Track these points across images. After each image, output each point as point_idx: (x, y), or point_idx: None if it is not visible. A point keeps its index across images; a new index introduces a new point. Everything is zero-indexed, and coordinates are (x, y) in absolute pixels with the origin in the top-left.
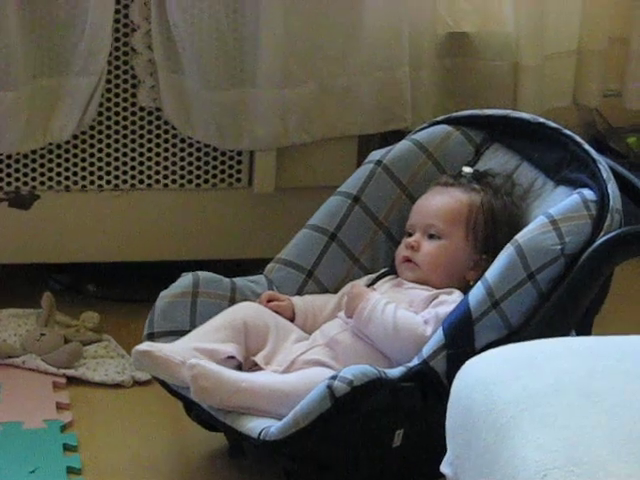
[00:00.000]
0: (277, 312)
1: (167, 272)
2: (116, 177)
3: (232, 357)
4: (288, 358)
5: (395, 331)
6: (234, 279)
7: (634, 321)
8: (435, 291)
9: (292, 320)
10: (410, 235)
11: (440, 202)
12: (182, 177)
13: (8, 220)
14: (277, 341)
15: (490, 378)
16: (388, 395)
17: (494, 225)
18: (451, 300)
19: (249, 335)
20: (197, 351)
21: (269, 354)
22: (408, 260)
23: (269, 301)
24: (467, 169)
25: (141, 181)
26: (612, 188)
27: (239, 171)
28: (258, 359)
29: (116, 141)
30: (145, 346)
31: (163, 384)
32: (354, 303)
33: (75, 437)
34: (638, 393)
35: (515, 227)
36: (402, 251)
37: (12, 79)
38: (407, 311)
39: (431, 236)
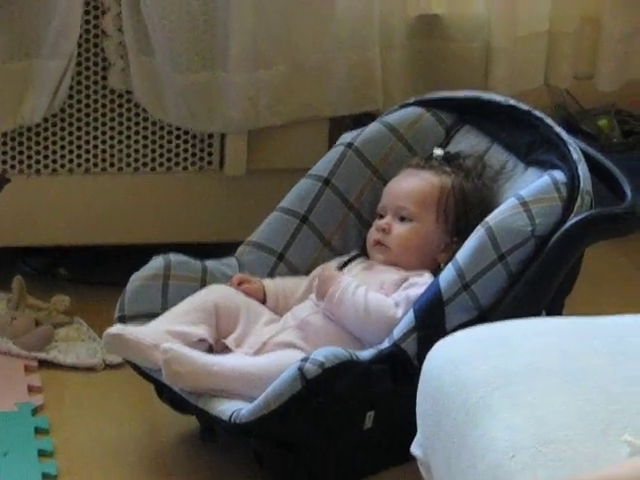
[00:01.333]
0: (248, 294)
1: (138, 255)
2: (87, 160)
3: (203, 340)
4: (259, 340)
5: (366, 313)
6: (205, 261)
7: (604, 302)
8: (406, 273)
9: (263, 302)
10: (381, 217)
11: (411, 185)
12: (153, 160)
13: None
14: (248, 323)
15: (460, 358)
16: (359, 377)
17: (465, 207)
18: (422, 282)
19: (220, 317)
20: (169, 334)
21: (240, 336)
22: (379, 243)
23: (240, 283)
24: (438, 151)
25: (112, 164)
26: (582, 170)
27: (210, 154)
28: (229, 342)
29: (87, 124)
30: (116, 329)
31: (134, 367)
32: (325, 286)
33: (46, 420)
34: (608, 373)
35: (486, 209)
36: (373, 234)
37: None
38: (378, 294)
39: (402, 219)
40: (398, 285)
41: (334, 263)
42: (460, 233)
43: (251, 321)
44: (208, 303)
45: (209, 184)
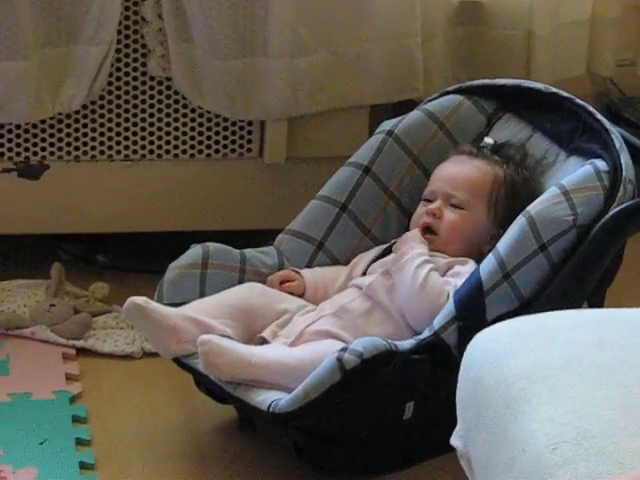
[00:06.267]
0: (290, 293)
1: (177, 243)
2: (126, 147)
3: (227, 337)
4: (295, 330)
5: (421, 289)
6: (244, 250)
7: None
8: (450, 259)
9: (302, 295)
10: (429, 201)
11: (465, 172)
12: (192, 147)
13: (18, 190)
14: (284, 318)
15: (500, 350)
16: (398, 367)
17: (514, 200)
18: (465, 271)
19: (254, 318)
20: (192, 322)
21: (276, 329)
22: (428, 227)
23: (282, 282)
24: (489, 140)
25: (151, 151)
26: (625, 158)
27: (250, 141)
28: (266, 334)
29: (126, 111)
30: (142, 300)
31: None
32: (401, 246)
33: (84, 408)
34: None
35: (530, 201)
36: (422, 217)
37: (21, 49)
38: (440, 278)
39: (452, 205)
40: (441, 272)
41: (374, 252)
42: (506, 225)
43: (287, 317)
44: (241, 301)
45: (249, 171)
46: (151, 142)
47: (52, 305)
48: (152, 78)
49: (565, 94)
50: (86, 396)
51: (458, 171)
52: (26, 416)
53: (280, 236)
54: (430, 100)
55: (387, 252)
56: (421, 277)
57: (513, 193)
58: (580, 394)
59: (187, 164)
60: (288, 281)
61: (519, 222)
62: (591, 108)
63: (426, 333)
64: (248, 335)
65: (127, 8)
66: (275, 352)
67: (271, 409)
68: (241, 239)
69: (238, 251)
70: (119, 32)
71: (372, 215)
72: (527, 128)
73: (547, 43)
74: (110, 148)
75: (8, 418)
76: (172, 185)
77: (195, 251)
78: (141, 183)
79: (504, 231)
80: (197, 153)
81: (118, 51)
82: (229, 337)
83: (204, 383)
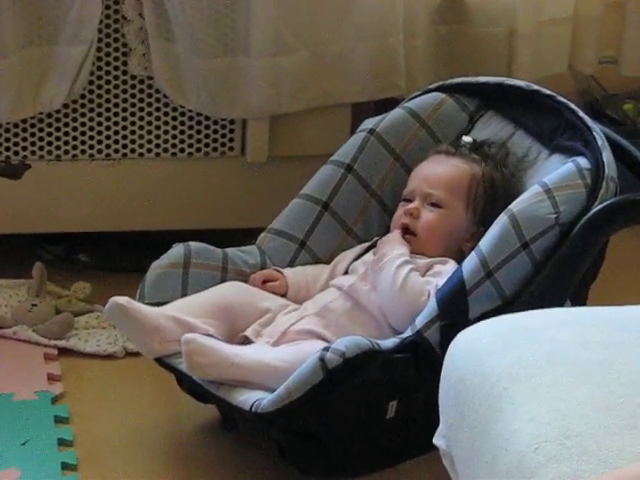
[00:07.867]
0: (273, 292)
1: (159, 242)
2: (107, 146)
3: (209, 335)
4: (279, 329)
5: (401, 289)
6: (226, 249)
7: (629, 291)
8: (429, 260)
9: (284, 295)
10: (407, 202)
11: (442, 171)
12: (174, 146)
13: None
14: (266, 318)
15: (483, 349)
16: (381, 366)
17: (493, 197)
18: (446, 270)
19: (236, 316)
20: (175, 322)
21: (259, 329)
22: (406, 228)
23: (264, 282)
24: (467, 138)
25: (133, 150)
26: (607, 156)
27: (232, 140)
28: (248, 333)
29: (107, 110)
30: (124, 300)
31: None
32: (381, 247)
33: (66, 409)
34: (632, 364)
35: (511, 199)
36: (401, 218)
37: (2, 48)
38: (420, 278)
39: (431, 204)
40: (421, 273)
41: (356, 250)
42: (486, 223)
43: (269, 316)
44: (223, 300)
45: (230, 170)
46: (132, 141)
47: (34, 305)
48: (133, 77)
49: (547, 92)
50: (68, 396)
51: (435, 170)
52: (8, 417)
53: (262, 235)
54: (412, 98)
55: (369, 250)
56: (401, 277)
57: (492, 190)
58: (562, 393)
59: (169, 163)
60: (270, 280)
61: (501, 220)
62: (573, 106)
63: (408, 332)
64: (230, 334)
65: (108, 7)
66: (259, 352)
67: (253, 409)
68: (223, 238)
69: (220, 250)
70: (100, 31)
71: (354, 213)
72: (509, 126)
73: (529, 41)
74: (91, 147)
75: None
76: (154, 184)
77: (177, 250)
78: (123, 182)
79: (485, 229)
80: (179, 152)
81: (99, 50)
82: (211, 336)
83: (186, 383)
